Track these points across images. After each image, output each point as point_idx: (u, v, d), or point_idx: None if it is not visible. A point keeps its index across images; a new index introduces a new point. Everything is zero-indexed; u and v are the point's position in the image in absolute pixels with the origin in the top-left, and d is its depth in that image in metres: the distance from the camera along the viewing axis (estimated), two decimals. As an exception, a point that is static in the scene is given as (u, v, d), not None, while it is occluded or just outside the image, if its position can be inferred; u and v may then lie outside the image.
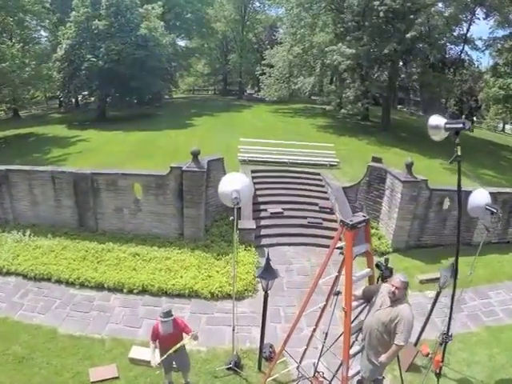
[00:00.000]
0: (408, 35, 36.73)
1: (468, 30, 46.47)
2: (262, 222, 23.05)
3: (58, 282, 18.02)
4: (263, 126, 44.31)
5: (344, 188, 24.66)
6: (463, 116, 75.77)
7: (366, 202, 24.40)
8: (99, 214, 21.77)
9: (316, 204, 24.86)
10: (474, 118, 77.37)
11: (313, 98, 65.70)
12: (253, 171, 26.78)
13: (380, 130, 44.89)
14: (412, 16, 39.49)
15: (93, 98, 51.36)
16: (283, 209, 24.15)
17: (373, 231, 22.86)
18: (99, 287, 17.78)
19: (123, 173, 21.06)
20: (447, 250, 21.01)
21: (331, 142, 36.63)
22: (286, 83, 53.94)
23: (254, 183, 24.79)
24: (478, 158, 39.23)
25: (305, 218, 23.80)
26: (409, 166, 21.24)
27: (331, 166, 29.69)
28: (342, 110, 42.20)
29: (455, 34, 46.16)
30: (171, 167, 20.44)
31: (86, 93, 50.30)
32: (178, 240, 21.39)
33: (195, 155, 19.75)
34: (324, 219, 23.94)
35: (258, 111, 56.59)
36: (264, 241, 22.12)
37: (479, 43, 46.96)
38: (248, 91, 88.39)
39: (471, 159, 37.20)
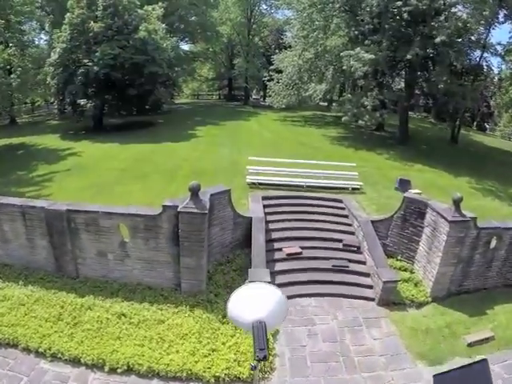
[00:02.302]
0: (438, 39, 32.05)
1: (488, 35, 41.62)
2: (277, 267, 18.61)
3: (27, 350, 14.11)
4: (272, 138, 39.81)
5: (373, 222, 20.06)
6: (475, 123, 71.66)
7: (399, 240, 19.87)
8: (79, 259, 17.48)
9: (339, 240, 20.37)
10: (487, 125, 73.14)
11: (321, 104, 61.00)
12: (264, 198, 22.28)
13: (398, 143, 40.38)
14: (435, 18, 35.04)
15: (88, 106, 46.67)
16: (301, 247, 19.59)
17: (407, 275, 19.12)
18: (75, 361, 13.74)
19: (105, 211, 16.53)
20: (492, 294, 19.00)
21: (348, 157, 32.54)
22: (296, 90, 49.20)
23: (266, 213, 20.45)
24: (506, 173, 34.80)
25: (327, 259, 19.37)
26: (457, 203, 16.99)
27: (353, 189, 24.91)
28: (360, 122, 37.41)
29: (473, 38, 41.33)
30: (164, 206, 15.95)
31: (82, 101, 45.69)
32: (175, 293, 17.15)
33: (195, 192, 15.16)
34: (350, 260, 19.52)
35: (266, 120, 52.04)
36: (280, 292, 17.50)
37: (498, 48, 42.34)
38: (254, 96, 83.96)
39: (498, 175, 33.29)
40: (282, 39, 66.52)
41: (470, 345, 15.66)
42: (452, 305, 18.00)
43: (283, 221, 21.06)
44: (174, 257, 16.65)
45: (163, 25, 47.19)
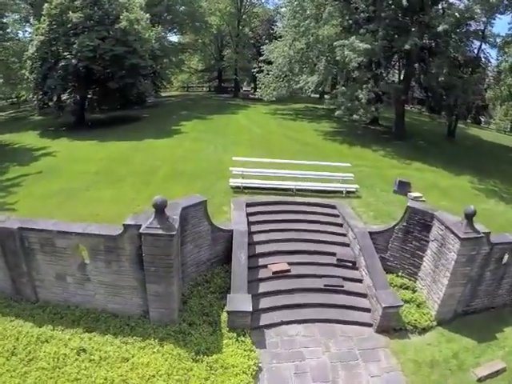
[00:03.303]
0: (440, 28, 29.39)
1: (487, 25, 38.85)
2: (261, 287, 16.12)
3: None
4: (261, 134, 37.12)
5: (371, 233, 17.51)
6: (469, 116, 69.04)
7: (400, 254, 17.39)
8: (37, 281, 15.01)
9: (333, 254, 17.91)
10: (482, 118, 70.71)
11: (313, 96, 58.25)
12: (248, 205, 19.72)
13: (394, 138, 37.79)
14: (434, 7, 32.56)
15: (68, 101, 43.73)
16: (290, 263, 17.04)
17: (409, 295, 16.83)
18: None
19: (60, 230, 13.87)
20: (501, 313, 17.14)
21: (342, 155, 30.17)
22: (286, 82, 46.34)
23: (250, 223, 17.99)
24: (507, 170, 32.54)
25: (319, 277, 16.94)
26: (470, 217, 14.51)
27: (348, 193, 22.29)
28: (354, 116, 34.59)
29: (471, 29, 38.58)
30: (125, 225, 13.29)
31: (62, 96, 42.78)
32: (143, 322, 14.67)
33: (159, 209, 12.54)
34: (345, 278, 17.02)
35: (255, 113, 49.17)
36: (264, 318, 15.25)
37: (498, 40, 39.63)
38: (244, 88, 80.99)
39: (500, 173, 31.27)
40: (273, 29, 63.67)
41: (480, 380, 13.64)
42: (459, 328, 15.87)
43: (269, 231, 18.53)
44: (140, 282, 14.13)
45: (147, 14, 44.21)
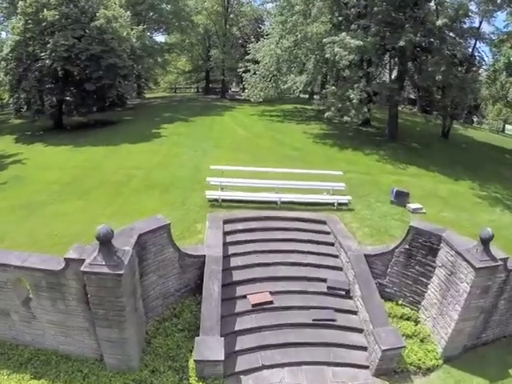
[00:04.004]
0: (439, 22, 26.85)
1: (481, 23, 36.36)
2: (238, 324, 13.41)
3: None
4: (246, 137, 34.35)
5: (367, 256, 14.80)
6: (462, 115, 66.75)
7: (401, 280, 14.71)
8: (-19, 317, 12.38)
9: (323, 280, 15.18)
10: (474, 118, 68.37)
11: (301, 96, 55.44)
12: (226, 222, 16.95)
13: (387, 140, 35.11)
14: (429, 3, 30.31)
15: (45, 105, 40.78)
16: (273, 293, 14.33)
17: (411, 327, 14.34)
18: None
19: (-3, 262, 11.16)
20: None
21: (333, 160, 27.71)
22: (274, 82, 43.48)
23: (228, 244, 15.30)
24: (505, 173, 30.61)
25: (307, 308, 14.23)
26: (486, 242, 11.76)
27: (340, 205, 19.54)
28: (345, 118, 31.78)
29: (465, 26, 36.07)
30: (67, 260, 10.57)
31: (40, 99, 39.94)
32: (98, 368, 12.21)
33: (104, 242, 9.82)
34: (337, 310, 14.27)
35: (241, 115, 46.22)
36: (241, 362, 12.49)
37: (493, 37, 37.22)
38: (233, 89, 78.15)
39: (499, 177, 29.47)
40: (261, 28, 60.83)
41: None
42: (468, 366, 13.43)
43: (250, 253, 15.83)
44: (92, 323, 11.45)
45: (128, 12, 41.42)
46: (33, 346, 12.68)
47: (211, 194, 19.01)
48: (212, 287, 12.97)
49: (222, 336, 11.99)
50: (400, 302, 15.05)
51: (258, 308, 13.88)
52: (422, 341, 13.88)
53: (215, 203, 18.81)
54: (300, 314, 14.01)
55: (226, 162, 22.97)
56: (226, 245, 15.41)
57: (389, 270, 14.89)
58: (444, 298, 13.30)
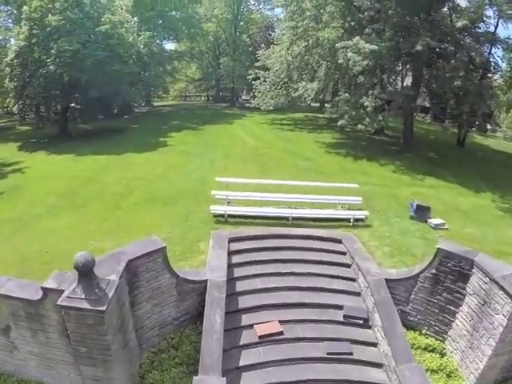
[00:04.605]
0: (459, 24, 25.27)
1: (496, 27, 34.65)
2: (243, 359, 11.78)
3: None
4: (256, 146, 32.75)
5: (389, 281, 13.10)
6: (476, 122, 64.85)
7: (426, 308, 12.99)
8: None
9: (339, 307, 13.44)
10: (488, 126, 66.36)
11: (313, 105, 53.76)
12: (232, 240, 15.32)
13: (402, 149, 33.33)
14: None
15: (50, 111, 39.53)
16: (282, 322, 12.68)
17: (437, 361, 12.56)
18: None
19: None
20: None
21: (347, 171, 26.29)
22: (285, 89, 41.94)
23: (233, 265, 13.67)
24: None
25: (321, 340, 12.54)
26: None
27: (356, 220, 17.82)
28: (359, 126, 30.04)
29: (480, 31, 34.41)
30: (44, 290, 9.07)
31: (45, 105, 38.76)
32: None
33: (84, 273, 8.26)
34: (354, 342, 12.57)
35: (251, 123, 44.68)
36: (246, 405, 10.74)
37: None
38: (243, 97, 76.74)
39: None
40: (271, 35, 59.45)
41: None
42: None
43: (258, 276, 14.18)
44: (76, 358, 9.81)
45: (135, 18, 40.13)
46: (16, 376, 11.45)
47: (216, 209, 17.33)
48: (214, 318, 11.34)
49: (224, 372, 10.40)
50: (424, 331, 13.33)
51: (266, 340, 12.23)
52: (448, 375, 12.18)
53: (221, 219, 17.15)
54: (313, 346, 12.34)
55: (234, 173, 21.47)
56: (230, 267, 13.81)
57: (412, 296, 13.18)
58: (475, 330, 11.60)
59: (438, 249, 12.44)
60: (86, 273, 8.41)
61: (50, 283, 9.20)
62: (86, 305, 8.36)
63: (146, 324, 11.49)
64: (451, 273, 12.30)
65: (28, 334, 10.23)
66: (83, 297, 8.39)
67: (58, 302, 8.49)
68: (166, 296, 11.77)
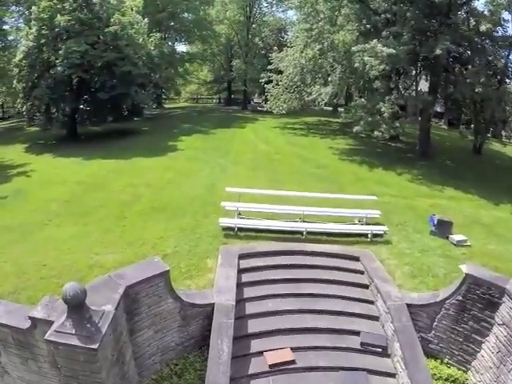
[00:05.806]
0: (483, 27, 24.22)
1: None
2: (253, 391, 10.65)
3: None
4: (267, 151, 31.78)
5: (410, 306, 12.04)
6: (491, 129, 63.52)
7: (449, 336, 11.95)
8: None
9: (356, 333, 12.38)
10: (503, 133, 64.84)
11: (325, 109, 52.75)
12: (242, 257, 14.30)
13: (419, 157, 32.17)
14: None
15: (58, 113, 38.84)
16: (294, 349, 11.67)
17: None
18: None
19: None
20: None
21: (362, 180, 25.30)
22: (298, 93, 40.95)
23: (243, 285, 12.64)
24: None
25: (335, 369, 11.48)
26: None
27: (375, 236, 16.74)
28: (376, 133, 28.92)
29: (497, 35, 33.22)
30: (32, 319, 8.22)
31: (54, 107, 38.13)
32: None
33: (74, 306, 7.31)
34: (371, 371, 11.47)
35: (263, 127, 43.84)
36: None
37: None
38: (255, 100, 75.91)
39: None
40: (284, 38, 58.47)
41: None
42: None
43: (269, 297, 13.17)
44: (70, 388, 8.94)
45: (145, 19, 39.37)
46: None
47: (226, 222, 16.31)
48: (220, 347, 10.36)
49: (231, 405, 9.48)
50: (446, 360, 12.27)
51: (276, 369, 11.24)
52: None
53: (230, 232, 16.16)
54: (326, 376, 11.34)
55: (245, 180, 20.63)
56: (240, 286, 12.83)
57: (435, 323, 12.11)
58: (503, 364, 10.53)
59: (467, 274, 11.36)
60: (75, 307, 7.47)
61: (38, 311, 8.30)
62: (76, 341, 7.42)
63: (146, 351, 10.56)
64: (479, 300, 11.24)
65: (18, 361, 9.36)
66: (73, 332, 7.45)
67: (46, 337, 7.56)
68: (169, 321, 10.83)
